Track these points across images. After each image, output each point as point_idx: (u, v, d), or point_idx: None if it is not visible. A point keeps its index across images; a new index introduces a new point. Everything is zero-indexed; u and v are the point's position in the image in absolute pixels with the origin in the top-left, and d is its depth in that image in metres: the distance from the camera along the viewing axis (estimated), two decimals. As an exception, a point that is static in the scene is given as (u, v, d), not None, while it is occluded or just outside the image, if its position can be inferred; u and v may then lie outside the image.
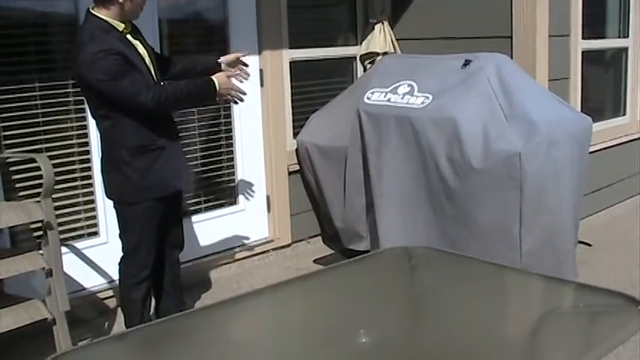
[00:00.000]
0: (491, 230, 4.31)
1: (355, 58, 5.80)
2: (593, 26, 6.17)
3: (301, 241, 5.63)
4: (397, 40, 5.74)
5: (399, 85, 4.82)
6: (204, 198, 5.15)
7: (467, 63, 4.71)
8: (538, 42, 5.18)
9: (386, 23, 5.67)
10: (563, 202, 4.46)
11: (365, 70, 5.72)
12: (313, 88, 5.62)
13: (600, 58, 6.58)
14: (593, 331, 2.35)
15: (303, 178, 5.52)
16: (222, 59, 4.06)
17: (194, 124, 5.00)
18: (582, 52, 5.82)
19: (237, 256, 5.27)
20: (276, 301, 2.60)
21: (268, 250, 5.44)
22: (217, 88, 3.66)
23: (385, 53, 5.59)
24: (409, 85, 4.78)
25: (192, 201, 5.08)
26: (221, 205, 5.24)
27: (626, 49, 6.57)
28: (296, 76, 5.44)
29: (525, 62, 5.11)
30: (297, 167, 5.47)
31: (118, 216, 3.78)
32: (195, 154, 5.06)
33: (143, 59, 3.60)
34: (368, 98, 4.88)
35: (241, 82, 3.94)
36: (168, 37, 4.89)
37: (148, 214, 3.70)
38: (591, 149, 5.74)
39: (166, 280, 4.04)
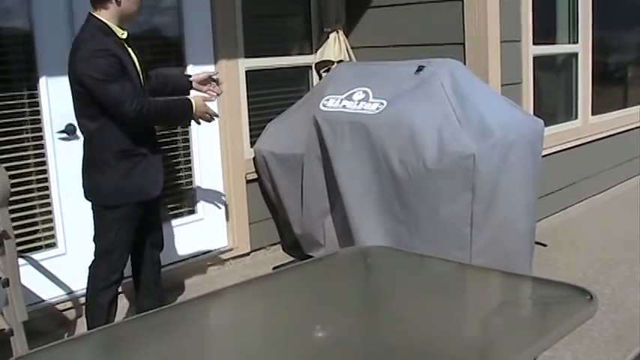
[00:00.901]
0: (442, 231, 4.37)
1: (310, 66, 5.84)
2: (544, 32, 6.29)
3: (261, 249, 5.65)
4: (352, 48, 5.81)
5: (354, 92, 4.87)
6: (163, 207, 5.13)
7: (420, 69, 4.78)
8: (490, 48, 5.27)
9: (340, 32, 5.73)
10: (515, 204, 4.54)
11: (320, 78, 5.76)
12: (269, 96, 5.66)
13: (552, 64, 6.71)
14: (546, 321, 2.40)
15: (261, 186, 5.54)
16: (194, 77, 4.15)
17: (151, 134, 5.00)
18: (534, 58, 5.93)
19: (197, 265, 5.26)
20: (236, 301, 2.62)
21: (228, 259, 5.44)
22: (194, 111, 3.75)
23: (340, 61, 5.66)
24: (364, 91, 4.83)
25: (151, 211, 5.07)
26: (179, 215, 5.23)
27: (576, 55, 6.70)
28: (252, 85, 5.47)
29: (478, 68, 5.20)
30: (255, 176, 5.49)
31: (94, 218, 3.80)
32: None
33: (136, 67, 3.67)
34: (324, 105, 4.93)
35: (212, 100, 4.04)
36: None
37: (125, 218, 3.73)
38: (545, 153, 5.84)
39: (147, 278, 4.08)
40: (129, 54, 3.65)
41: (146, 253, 4.05)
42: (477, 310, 2.55)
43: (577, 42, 6.67)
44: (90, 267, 3.84)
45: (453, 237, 4.35)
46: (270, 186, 5.41)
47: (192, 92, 4.12)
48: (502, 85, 5.40)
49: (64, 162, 4.52)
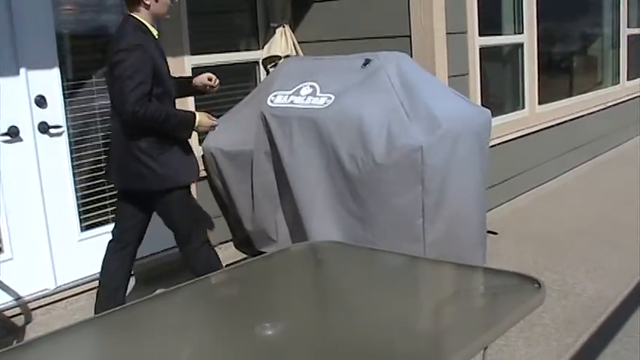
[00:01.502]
0: (395, 225, 4.36)
1: (258, 62, 5.82)
2: (490, 23, 6.34)
3: (217, 245, 5.58)
4: (299, 43, 5.79)
5: (301, 87, 4.84)
6: (111, 208, 5.05)
7: (367, 62, 4.77)
8: (436, 40, 5.29)
9: (287, 27, 5.72)
10: (466, 195, 4.55)
11: (268, 73, 5.73)
12: (217, 93, 5.57)
13: (498, 54, 6.77)
14: (496, 310, 2.42)
15: (211, 183, 5.48)
16: (196, 80, 4.47)
17: (97, 134, 4.93)
18: (480, 49, 5.97)
19: (147, 266, 5.20)
20: (184, 300, 2.59)
21: (179, 258, 5.38)
22: (196, 125, 4.08)
23: (287, 56, 5.64)
24: (311, 86, 4.81)
25: (99, 212, 5.01)
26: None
27: (521, 45, 6.77)
28: (199, 82, 5.41)
29: (425, 60, 5.22)
30: (204, 174, 5.43)
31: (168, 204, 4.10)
32: (100, 164, 4.99)
33: (166, 64, 4.03)
34: (271, 101, 4.89)
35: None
36: (69, 50, 4.83)
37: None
38: (493, 143, 5.90)
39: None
40: (161, 51, 3.98)
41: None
42: (429, 302, 2.55)
43: (522, 32, 6.75)
44: (193, 250, 4.20)
45: (405, 230, 4.35)
46: (219, 183, 5.36)
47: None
48: (449, 77, 5.43)
49: (8, 165, 4.44)
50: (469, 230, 4.63)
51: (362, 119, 4.39)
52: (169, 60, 5.04)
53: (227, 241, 5.69)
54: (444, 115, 4.44)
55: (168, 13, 4.10)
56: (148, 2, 3.87)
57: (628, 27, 9.31)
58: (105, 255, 4.24)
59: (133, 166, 3.96)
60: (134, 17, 3.89)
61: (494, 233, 5.57)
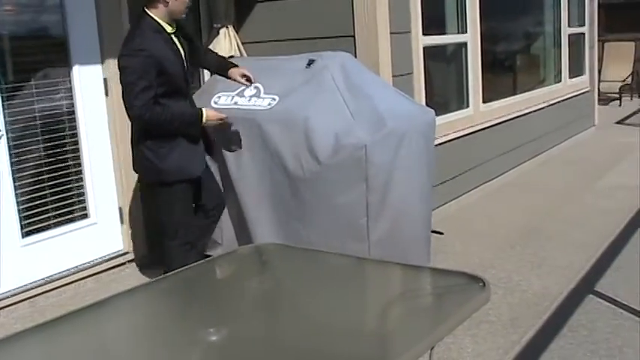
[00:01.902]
0: (339, 224, 4.36)
1: (201, 63, 5.74)
2: (434, 23, 6.37)
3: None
4: (243, 43, 5.74)
5: (245, 88, 4.80)
6: (54, 213, 4.97)
7: (311, 62, 4.75)
8: (380, 39, 5.29)
9: (230, 27, 5.66)
10: (411, 193, 4.57)
11: (211, 75, 5.67)
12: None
13: (442, 54, 6.80)
14: (443, 310, 2.42)
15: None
16: (231, 73, 4.72)
17: (37, 138, 4.82)
18: (424, 48, 5.99)
19: (92, 270, 5.12)
20: (126, 307, 2.54)
21: (124, 263, 5.31)
22: (204, 121, 4.20)
23: (231, 57, 5.57)
24: (255, 87, 4.77)
25: (41, 217, 4.89)
26: (72, 220, 5.07)
27: (465, 44, 6.81)
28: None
29: (369, 59, 5.21)
30: (150, 176, 5.37)
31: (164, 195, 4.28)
32: (41, 169, 4.88)
33: (180, 58, 4.16)
34: (215, 102, 4.85)
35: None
36: (8, 52, 4.73)
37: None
38: (438, 141, 5.94)
39: None
40: (177, 48, 4.13)
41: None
42: (375, 303, 2.54)
43: (466, 32, 6.78)
44: (175, 246, 4.33)
45: (349, 229, 4.35)
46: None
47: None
48: (393, 77, 5.43)
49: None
50: (414, 228, 4.65)
51: (306, 120, 4.38)
52: (111, 62, 5.02)
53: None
54: (388, 114, 4.45)
55: (186, 13, 4.20)
56: (167, 0, 4.00)
57: (569, 26, 9.44)
58: None
59: (139, 160, 4.25)
60: (148, 16, 4.03)
61: (441, 233, 5.59)
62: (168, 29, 4.12)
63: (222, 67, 4.80)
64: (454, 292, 2.44)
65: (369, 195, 4.27)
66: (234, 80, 4.73)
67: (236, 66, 4.77)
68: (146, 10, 4.05)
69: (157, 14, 4.04)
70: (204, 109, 4.25)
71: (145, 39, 3.97)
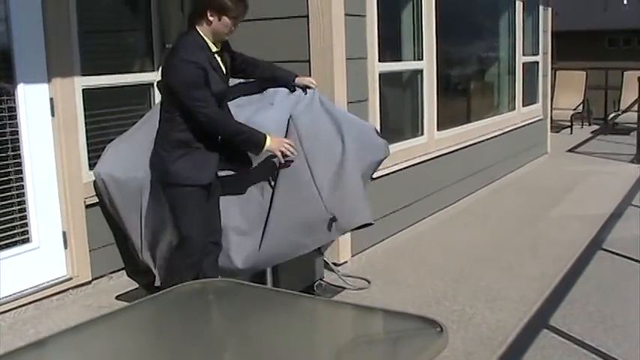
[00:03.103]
0: (295, 198, 4.50)
1: (152, 84, 5.60)
2: (390, 49, 6.31)
3: (103, 276, 5.35)
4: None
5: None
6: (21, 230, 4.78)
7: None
8: (335, 65, 5.21)
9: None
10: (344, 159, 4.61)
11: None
12: (110, 116, 5.37)
13: (398, 80, 6.74)
14: (398, 357, 2.31)
15: (104, 210, 5.25)
16: (298, 80, 4.74)
17: (6, 161, 4.64)
18: (379, 75, 5.92)
19: (33, 297, 4.90)
20: (65, 348, 2.38)
21: (67, 289, 5.11)
22: (266, 146, 4.27)
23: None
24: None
25: (5, 234, 4.70)
26: (12, 244, 4.85)
27: (421, 71, 6.76)
28: (90, 104, 5.17)
29: (324, 85, 5.13)
30: (96, 200, 5.20)
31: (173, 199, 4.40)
32: (6, 186, 4.70)
33: (222, 77, 4.33)
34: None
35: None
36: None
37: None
38: (393, 169, 5.89)
39: None
40: (220, 67, 4.30)
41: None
42: (326, 349, 2.41)
43: (422, 58, 6.74)
44: (178, 257, 4.47)
45: (305, 199, 4.49)
46: (112, 210, 5.14)
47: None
48: (349, 103, 5.37)
49: None
50: (352, 186, 4.63)
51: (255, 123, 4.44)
52: (57, 80, 4.89)
53: (118, 270, 5.46)
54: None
55: (229, 35, 4.32)
56: (210, 19, 4.15)
57: (523, 54, 9.49)
58: None
59: (152, 157, 4.43)
60: (195, 31, 4.21)
61: (368, 281, 5.42)
62: (213, 48, 4.26)
63: (282, 76, 4.79)
64: (410, 336, 2.33)
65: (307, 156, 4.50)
66: (305, 87, 4.75)
67: (296, 75, 4.80)
68: (193, 26, 4.23)
69: (202, 31, 4.21)
70: (268, 135, 4.30)
71: (192, 52, 4.13)
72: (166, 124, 4.30)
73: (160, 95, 4.61)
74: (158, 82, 5.51)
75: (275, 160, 4.44)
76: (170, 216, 4.50)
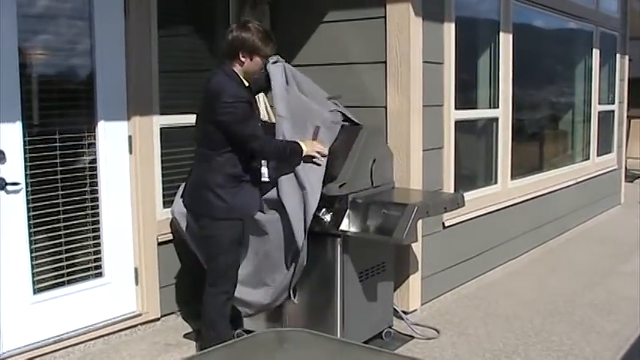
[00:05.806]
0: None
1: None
2: (466, 96, 6.27)
3: (172, 314, 5.38)
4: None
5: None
6: (68, 270, 4.82)
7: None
8: (412, 113, 5.19)
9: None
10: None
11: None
12: (185, 154, 5.41)
13: (472, 128, 6.68)
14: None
15: (176, 247, 5.29)
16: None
17: (57, 192, 4.71)
18: (455, 122, 5.87)
19: (103, 331, 4.94)
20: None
21: (136, 325, 5.15)
22: (305, 151, 4.52)
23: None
24: None
25: (55, 273, 4.75)
26: (85, 278, 4.91)
27: (496, 119, 6.69)
28: (167, 142, 5.25)
29: (400, 131, 5.12)
30: (169, 237, 5.24)
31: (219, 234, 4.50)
32: (58, 224, 4.75)
33: (259, 112, 4.74)
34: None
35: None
36: (36, 96, 4.63)
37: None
38: (466, 217, 5.82)
39: None
40: (254, 99, 4.61)
41: None
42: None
43: (498, 107, 6.67)
44: (213, 294, 4.54)
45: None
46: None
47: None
48: (424, 150, 5.32)
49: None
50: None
51: None
52: (137, 119, 4.97)
53: (187, 307, 5.47)
54: None
55: (258, 73, 4.56)
56: (243, 60, 4.38)
57: (599, 104, 9.34)
58: None
59: (207, 198, 4.42)
60: (231, 69, 4.42)
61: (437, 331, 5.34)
62: (246, 84, 4.47)
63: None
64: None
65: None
66: None
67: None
68: (228, 65, 4.43)
69: (236, 69, 4.42)
70: (301, 144, 4.54)
71: (238, 91, 4.34)
72: (215, 161, 4.40)
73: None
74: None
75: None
76: (211, 249, 4.58)
